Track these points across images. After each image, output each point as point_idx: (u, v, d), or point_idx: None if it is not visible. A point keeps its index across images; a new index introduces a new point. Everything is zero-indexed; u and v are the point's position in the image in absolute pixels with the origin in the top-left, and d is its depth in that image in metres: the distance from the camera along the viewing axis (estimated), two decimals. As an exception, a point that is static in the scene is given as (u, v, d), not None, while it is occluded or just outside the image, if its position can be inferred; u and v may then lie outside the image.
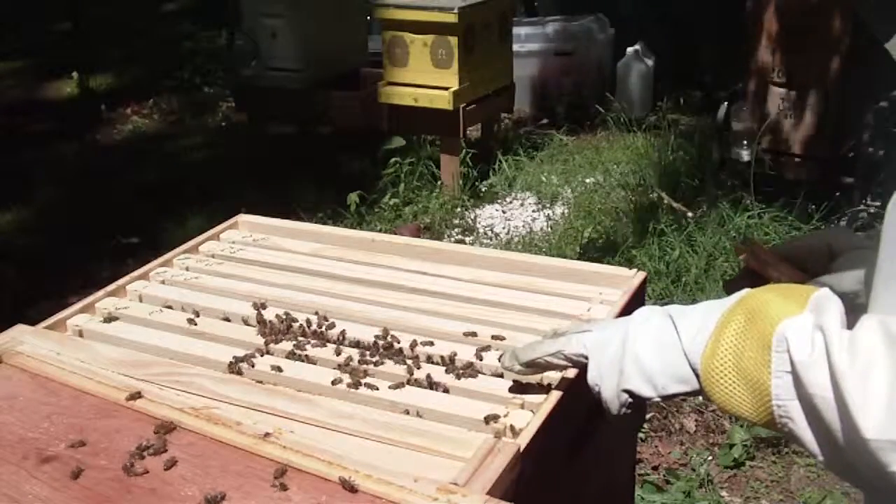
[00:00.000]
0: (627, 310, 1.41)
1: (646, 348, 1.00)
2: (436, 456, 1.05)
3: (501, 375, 1.26)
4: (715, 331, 0.94)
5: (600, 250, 4.06)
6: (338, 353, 1.32)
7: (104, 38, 8.11)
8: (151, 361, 1.29)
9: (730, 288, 1.12)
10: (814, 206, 4.13)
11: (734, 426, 3.01)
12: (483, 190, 4.94)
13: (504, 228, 4.52)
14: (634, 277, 1.49)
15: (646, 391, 1.01)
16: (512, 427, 1.13)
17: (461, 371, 1.26)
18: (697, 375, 0.95)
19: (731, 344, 0.92)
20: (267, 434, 1.10)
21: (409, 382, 1.25)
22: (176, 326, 1.42)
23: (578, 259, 3.77)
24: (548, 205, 4.72)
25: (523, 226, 4.53)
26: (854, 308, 0.97)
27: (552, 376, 1.23)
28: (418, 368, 1.27)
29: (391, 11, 4.80)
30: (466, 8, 4.67)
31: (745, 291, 0.96)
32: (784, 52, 4.49)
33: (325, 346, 1.34)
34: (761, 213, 4.14)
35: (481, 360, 1.29)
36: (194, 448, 1.10)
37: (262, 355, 1.32)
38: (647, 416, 3.09)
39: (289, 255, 1.67)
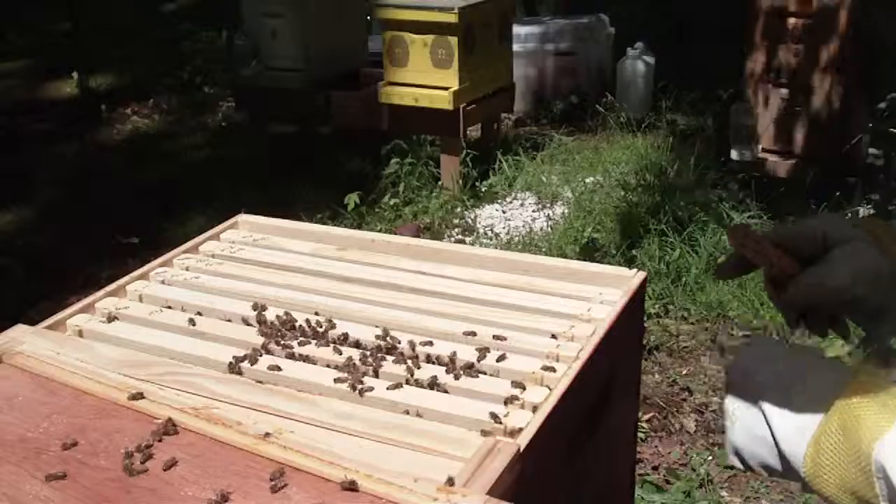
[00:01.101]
0: (628, 310, 1.41)
1: (740, 438, 1.06)
2: (436, 456, 1.05)
3: (501, 376, 1.26)
4: (812, 443, 0.96)
5: (600, 250, 4.06)
6: (338, 354, 1.32)
7: (104, 38, 8.11)
8: (151, 361, 1.29)
9: (721, 273, 1.12)
10: (814, 206, 4.13)
11: (734, 426, 3.01)
12: (483, 190, 4.94)
13: (504, 228, 4.52)
14: (634, 277, 1.49)
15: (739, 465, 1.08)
16: (512, 427, 1.13)
17: (461, 371, 1.26)
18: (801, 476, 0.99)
19: (832, 462, 0.94)
20: (267, 434, 1.10)
21: (408, 382, 1.25)
22: (176, 326, 1.42)
23: (578, 259, 3.77)
24: (548, 205, 4.73)
25: (523, 226, 4.53)
26: (852, 304, 0.97)
27: (551, 376, 1.23)
28: (418, 368, 1.27)
29: (391, 11, 4.80)
30: (466, 8, 4.68)
31: (839, 393, 0.96)
32: (784, 51, 4.50)
33: (326, 346, 1.34)
34: (761, 214, 4.14)
35: (481, 360, 1.29)
36: (194, 448, 1.10)
37: (262, 355, 1.32)
38: (647, 417, 3.09)
39: (289, 255, 1.67)
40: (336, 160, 5.33)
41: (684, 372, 3.34)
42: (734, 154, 4.69)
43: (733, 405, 1.08)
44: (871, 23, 4.10)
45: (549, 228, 4.43)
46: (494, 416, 1.14)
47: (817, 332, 1.07)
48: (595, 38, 6.21)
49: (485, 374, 1.27)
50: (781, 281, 1.04)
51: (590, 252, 4.02)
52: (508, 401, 1.18)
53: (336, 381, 1.24)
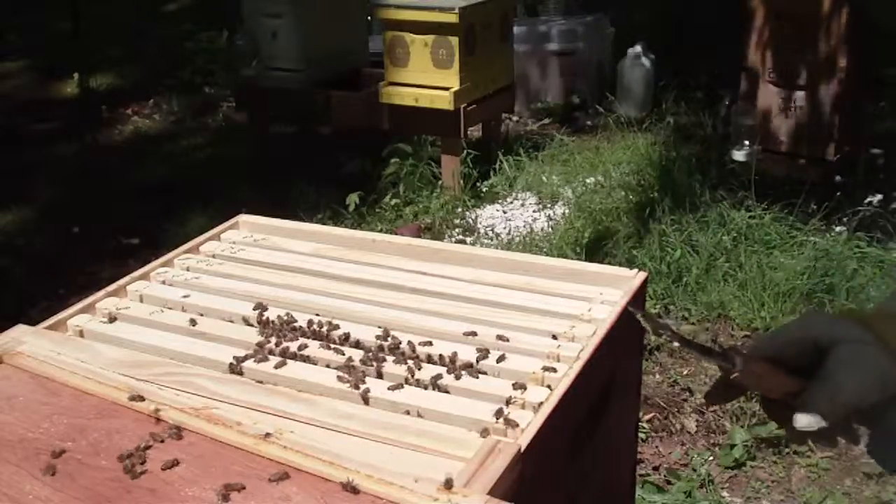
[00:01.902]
0: (628, 310, 1.41)
1: None
2: (436, 456, 1.05)
3: (502, 376, 1.26)
4: None
5: (601, 250, 4.06)
6: (338, 354, 1.32)
7: (104, 38, 8.11)
8: (152, 361, 1.29)
9: (711, 399, 1.07)
10: (814, 207, 4.13)
11: (735, 426, 3.01)
12: (483, 190, 4.94)
13: (504, 228, 4.52)
14: (635, 278, 1.49)
15: None
16: (512, 427, 1.12)
17: (461, 371, 1.26)
18: None
19: None
20: (267, 434, 1.10)
21: (409, 382, 1.25)
22: (176, 327, 1.42)
23: (579, 259, 3.77)
24: (548, 205, 4.72)
25: (524, 226, 4.53)
26: (878, 421, 0.94)
27: (552, 377, 1.23)
28: (419, 368, 1.27)
29: (391, 11, 4.80)
30: (467, 8, 4.67)
31: None
32: (784, 51, 4.49)
33: (326, 346, 1.34)
34: (762, 214, 4.14)
35: (482, 360, 1.28)
36: (194, 448, 1.10)
37: (262, 355, 1.32)
38: (648, 417, 3.09)
39: (289, 255, 1.67)
40: (336, 160, 5.32)
41: (685, 372, 3.34)
42: (734, 154, 4.68)
43: None
44: (867, 13, 4.08)
45: (550, 228, 4.43)
46: (495, 416, 1.14)
47: (828, 445, 1.01)
48: (595, 38, 6.20)
49: (485, 374, 1.27)
50: (776, 399, 0.99)
51: (590, 252, 4.02)
52: (509, 401, 1.18)
53: (336, 381, 1.24)
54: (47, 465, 1.07)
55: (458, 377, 1.25)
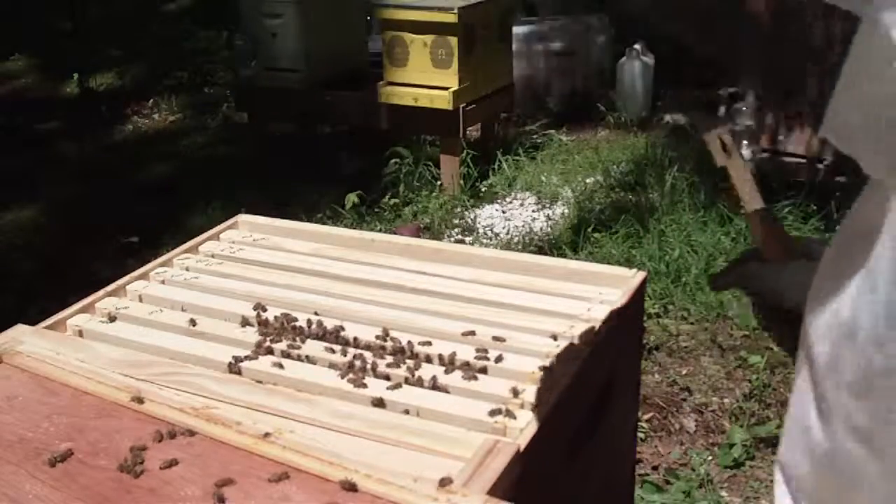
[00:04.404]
0: (627, 310, 1.41)
1: None
2: (436, 456, 1.06)
3: (501, 376, 1.26)
4: None
5: (600, 250, 4.06)
6: (338, 354, 1.32)
7: (104, 38, 8.11)
8: (151, 361, 1.29)
9: (716, 283, 1.14)
10: (814, 207, 4.13)
11: (734, 426, 3.01)
12: (483, 190, 4.94)
13: (504, 228, 4.52)
14: (634, 277, 1.49)
15: None
16: (512, 427, 1.13)
17: (461, 371, 1.26)
18: None
19: None
20: (267, 434, 1.10)
21: (408, 382, 1.25)
22: (176, 326, 1.42)
23: (578, 259, 3.77)
24: (548, 205, 4.73)
25: (523, 226, 4.53)
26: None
27: (551, 376, 1.23)
28: (418, 368, 1.27)
29: (391, 11, 4.80)
30: (466, 8, 4.67)
31: None
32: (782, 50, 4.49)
33: (326, 346, 1.34)
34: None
35: (481, 360, 1.29)
36: (194, 448, 1.10)
37: (262, 355, 1.32)
38: (647, 417, 3.09)
39: (289, 255, 1.67)
40: (336, 160, 5.32)
41: (684, 372, 3.34)
42: (734, 154, 4.68)
43: None
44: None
45: (549, 228, 4.43)
46: (494, 416, 1.14)
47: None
48: (595, 38, 6.20)
49: (485, 374, 1.27)
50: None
51: (589, 252, 4.02)
52: (508, 401, 1.18)
53: (336, 380, 1.24)
54: (47, 465, 1.07)
55: (458, 377, 1.25)
